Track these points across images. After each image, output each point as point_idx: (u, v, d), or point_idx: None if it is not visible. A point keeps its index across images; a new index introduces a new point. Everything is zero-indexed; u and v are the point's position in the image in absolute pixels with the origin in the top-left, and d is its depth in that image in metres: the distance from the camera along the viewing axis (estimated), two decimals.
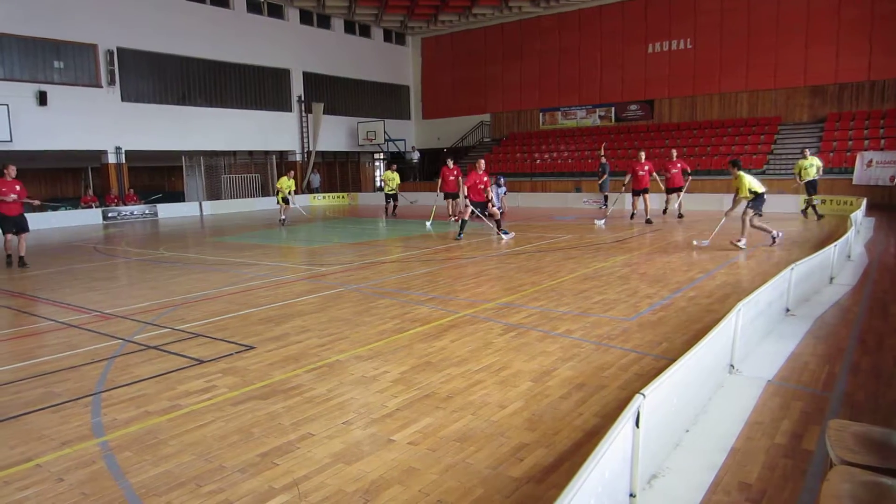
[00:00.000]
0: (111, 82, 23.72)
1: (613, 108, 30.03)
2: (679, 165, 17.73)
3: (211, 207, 26.69)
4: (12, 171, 11.98)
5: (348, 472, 3.53)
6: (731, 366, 5.00)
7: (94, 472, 3.63)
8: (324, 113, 31.20)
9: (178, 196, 29.37)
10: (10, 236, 12.25)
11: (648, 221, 16.83)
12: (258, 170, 30.51)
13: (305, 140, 31.36)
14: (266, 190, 30.10)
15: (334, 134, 32.58)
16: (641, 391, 3.14)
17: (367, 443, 3.90)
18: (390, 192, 20.78)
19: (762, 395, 4.57)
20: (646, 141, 27.43)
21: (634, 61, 28.94)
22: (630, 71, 29.16)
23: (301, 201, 29.61)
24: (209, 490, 3.38)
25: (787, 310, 6.81)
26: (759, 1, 25.52)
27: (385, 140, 33.22)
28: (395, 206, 20.88)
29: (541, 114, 32.38)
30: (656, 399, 3.27)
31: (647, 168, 17.17)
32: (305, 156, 31.40)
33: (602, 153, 23.34)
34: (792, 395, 4.60)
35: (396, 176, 21.18)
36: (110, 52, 23.58)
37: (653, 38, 28.36)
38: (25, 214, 12.30)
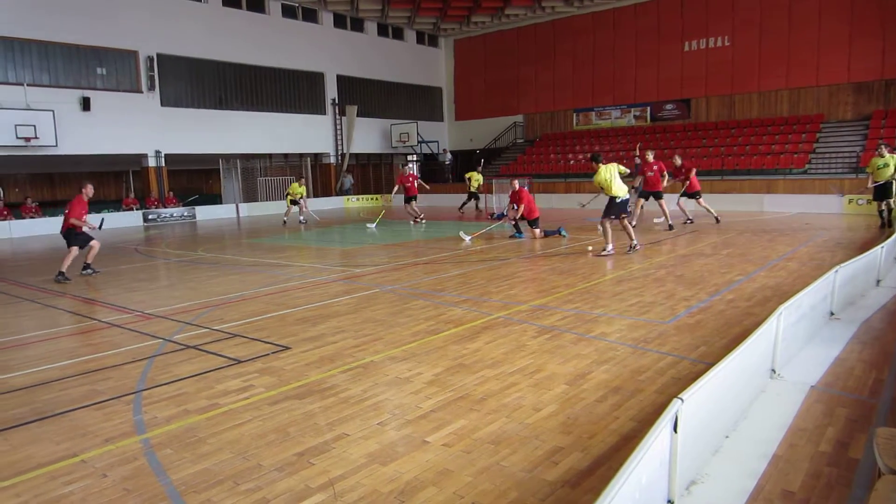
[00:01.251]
0: (151, 88, 24.23)
1: (649, 108, 29.67)
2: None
3: (247, 209, 27.08)
4: (90, 190, 11.58)
5: (383, 473, 3.54)
6: (773, 370, 4.90)
7: (137, 469, 3.70)
8: (357, 115, 31.44)
9: (215, 198, 29.84)
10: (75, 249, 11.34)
11: (670, 227, 15.32)
12: (293, 172, 30.82)
13: (339, 142, 31.61)
14: None
15: (368, 136, 32.81)
16: (679, 395, 3.10)
17: (401, 444, 3.91)
18: (473, 192, 20.83)
19: (805, 401, 4.46)
20: (682, 141, 27.07)
21: (670, 60, 28.55)
22: (666, 70, 28.78)
23: (336, 203, 29.96)
24: (247, 488, 3.42)
25: (832, 313, 6.65)
26: None
27: (418, 142, 33.33)
28: (476, 205, 21.00)
29: (574, 114, 32.14)
30: (695, 403, 3.21)
31: (655, 168, 15.44)
32: (339, 158, 31.67)
33: (637, 153, 23.07)
34: (837, 401, 4.48)
35: (481, 177, 21.21)
36: (150, 59, 24.08)
37: (689, 35, 27.95)
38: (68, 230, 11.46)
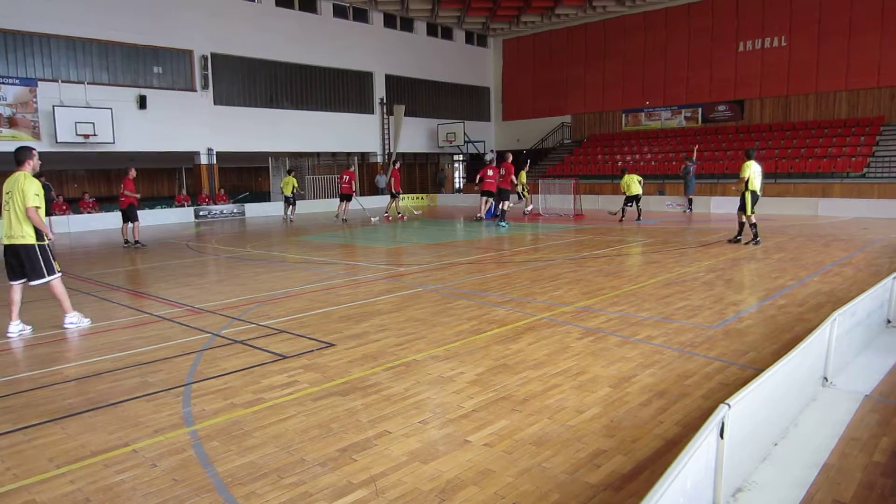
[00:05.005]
0: (205, 86, 24.80)
1: (700, 109, 29.13)
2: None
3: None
4: (133, 172, 15.63)
5: (424, 471, 3.55)
6: (825, 378, 4.76)
7: (185, 460, 3.79)
8: (405, 115, 31.61)
9: (264, 196, 30.37)
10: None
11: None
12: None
13: (386, 142, 31.84)
14: None
15: (414, 135, 32.97)
16: (726, 401, 3.04)
17: (442, 442, 3.92)
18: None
19: (859, 410, 4.33)
20: (735, 142, 26.50)
21: (724, 60, 27.99)
22: (719, 70, 28.21)
23: (382, 201, 30.10)
24: (290, 482, 3.48)
25: (888, 321, 6.43)
26: None
27: (465, 142, 33.35)
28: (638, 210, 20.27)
29: (623, 115, 31.75)
30: (742, 410, 3.15)
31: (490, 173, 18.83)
32: (386, 157, 31.90)
33: (694, 155, 22.68)
34: (892, 411, 4.33)
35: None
36: (205, 58, 24.66)
37: (744, 35, 27.34)
38: (131, 206, 15.56)
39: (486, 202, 19.77)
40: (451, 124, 33.35)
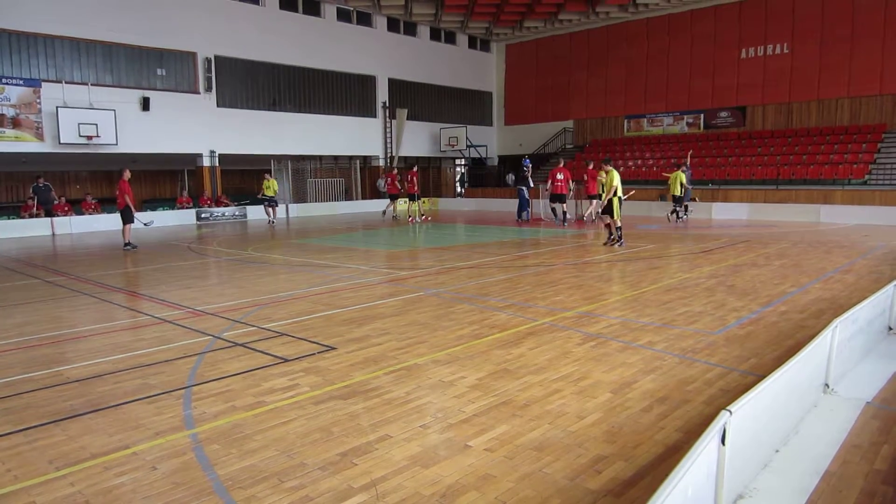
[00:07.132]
0: (208, 89, 24.83)
1: (702, 115, 29.13)
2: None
3: (297, 210, 27.48)
4: (128, 174, 15.46)
5: (425, 476, 3.55)
6: (826, 385, 4.75)
7: (185, 463, 3.79)
8: (407, 119, 31.63)
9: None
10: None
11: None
12: (342, 174, 31.25)
13: (389, 145, 31.87)
14: (350, 194, 30.82)
15: (417, 139, 32.99)
16: (728, 407, 3.03)
17: (443, 447, 3.92)
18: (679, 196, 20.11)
19: (860, 417, 4.32)
20: (736, 148, 26.51)
21: (726, 67, 28.01)
22: (721, 76, 28.22)
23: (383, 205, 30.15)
24: (291, 486, 3.48)
25: (890, 328, 6.42)
26: (865, 2, 24.22)
27: (467, 146, 33.38)
28: (675, 212, 20.40)
29: (626, 121, 31.77)
30: (744, 416, 3.14)
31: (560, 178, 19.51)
32: (388, 161, 31.92)
33: (688, 161, 22.66)
34: (894, 418, 4.32)
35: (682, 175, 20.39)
36: (208, 60, 24.70)
37: (747, 42, 27.37)
38: (127, 208, 15.45)
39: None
40: (454, 128, 33.39)
